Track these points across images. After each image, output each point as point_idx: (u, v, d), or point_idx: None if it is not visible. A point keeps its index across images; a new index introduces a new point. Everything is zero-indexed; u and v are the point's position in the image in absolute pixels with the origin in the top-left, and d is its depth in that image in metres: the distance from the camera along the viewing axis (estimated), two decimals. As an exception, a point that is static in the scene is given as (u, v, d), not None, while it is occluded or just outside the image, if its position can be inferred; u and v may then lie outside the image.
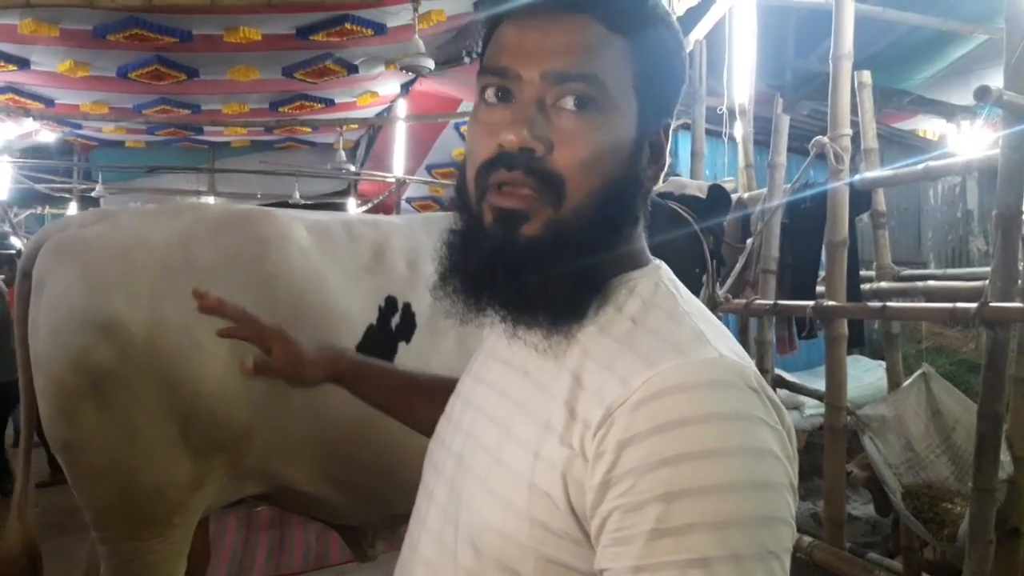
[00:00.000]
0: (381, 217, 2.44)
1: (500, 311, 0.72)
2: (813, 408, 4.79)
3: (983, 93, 1.85)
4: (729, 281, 2.84)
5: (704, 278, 2.59)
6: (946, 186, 7.42)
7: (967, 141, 7.23)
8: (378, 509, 2.03)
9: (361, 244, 2.00)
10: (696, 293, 2.67)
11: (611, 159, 0.69)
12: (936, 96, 6.99)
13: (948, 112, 7.16)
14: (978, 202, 7.53)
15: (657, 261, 0.78)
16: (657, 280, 0.75)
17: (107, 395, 1.67)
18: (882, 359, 4.07)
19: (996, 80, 2.03)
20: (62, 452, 1.74)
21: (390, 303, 1.95)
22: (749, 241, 2.95)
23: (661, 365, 0.63)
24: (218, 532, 4.36)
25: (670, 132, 0.76)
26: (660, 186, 2.98)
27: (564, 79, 0.68)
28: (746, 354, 0.69)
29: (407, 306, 1.96)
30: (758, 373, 0.65)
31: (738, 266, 2.86)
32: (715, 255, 2.64)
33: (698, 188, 2.73)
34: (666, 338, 0.66)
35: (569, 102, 0.68)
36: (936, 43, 6.14)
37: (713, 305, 2.65)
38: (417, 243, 2.08)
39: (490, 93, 0.72)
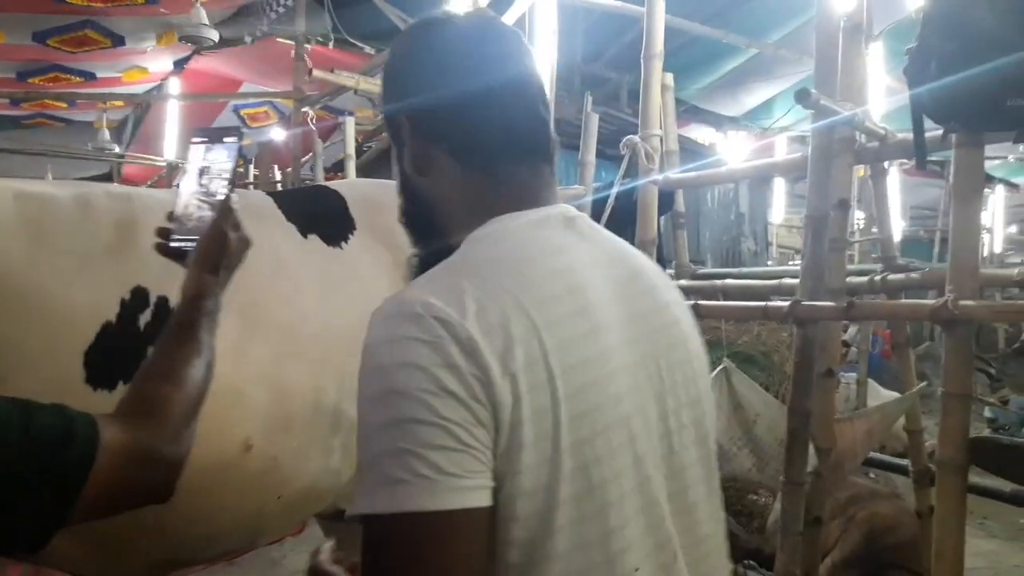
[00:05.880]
0: (141, 190, 2.00)
1: None
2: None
3: (804, 96, 1.83)
4: None
5: None
6: (721, 190, 7.94)
7: (733, 149, 8.09)
8: None
9: (99, 220, 1.56)
10: None
11: None
12: (706, 107, 7.50)
13: (717, 122, 7.84)
14: (748, 206, 8.15)
15: None
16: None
17: None
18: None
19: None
20: None
21: (138, 295, 1.55)
22: None
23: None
24: None
25: None
26: None
27: None
28: (446, 288, 0.75)
29: (163, 301, 1.55)
30: (427, 301, 0.73)
31: None
32: None
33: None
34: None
35: None
36: (713, 55, 6.48)
37: None
38: None
39: None
